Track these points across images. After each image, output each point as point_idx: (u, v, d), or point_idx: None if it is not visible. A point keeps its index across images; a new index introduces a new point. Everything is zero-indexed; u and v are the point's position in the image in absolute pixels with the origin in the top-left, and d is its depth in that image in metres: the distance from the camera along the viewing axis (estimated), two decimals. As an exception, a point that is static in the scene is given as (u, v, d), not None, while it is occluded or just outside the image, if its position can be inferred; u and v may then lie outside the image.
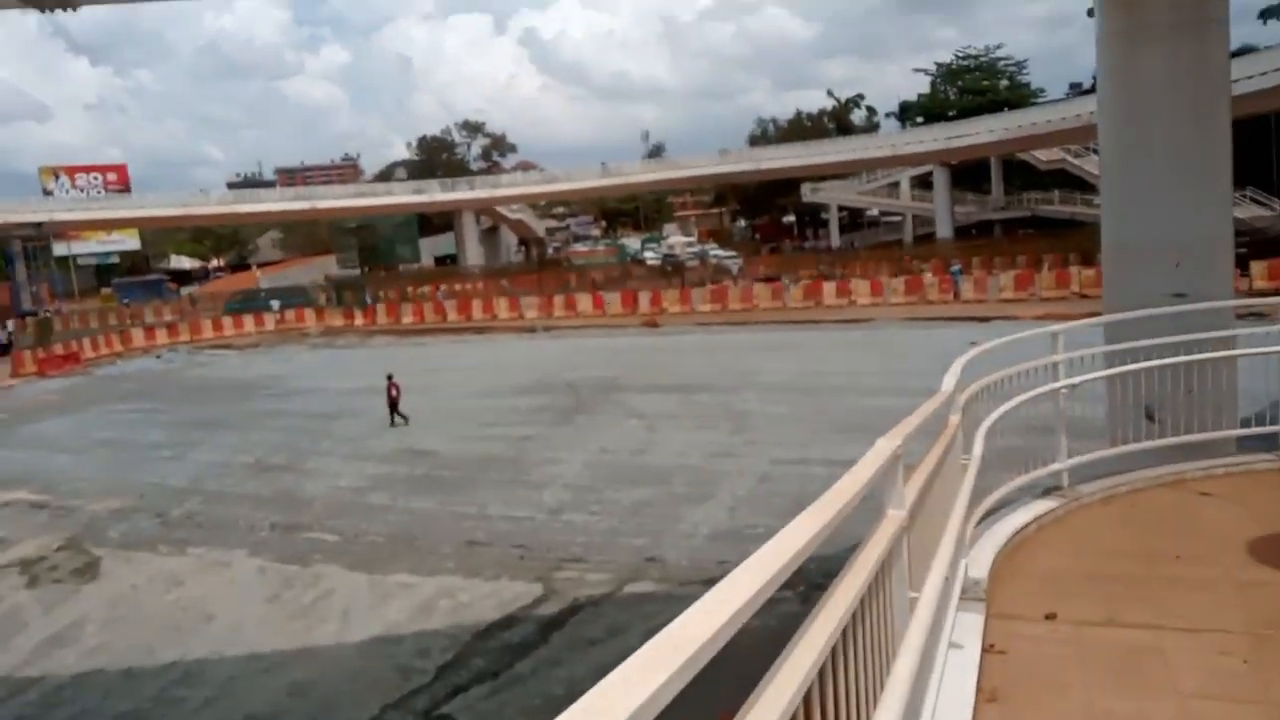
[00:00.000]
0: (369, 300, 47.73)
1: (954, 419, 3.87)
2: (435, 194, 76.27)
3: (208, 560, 14.48)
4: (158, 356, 41.55)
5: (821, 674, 1.58)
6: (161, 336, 45.30)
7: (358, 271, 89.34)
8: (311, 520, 15.81)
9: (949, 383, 3.94)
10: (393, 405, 22.37)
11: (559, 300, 41.29)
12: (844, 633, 1.76)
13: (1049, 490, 5.26)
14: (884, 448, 2.38)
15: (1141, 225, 8.80)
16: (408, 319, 43.99)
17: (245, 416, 25.46)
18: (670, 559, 12.87)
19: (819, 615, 1.72)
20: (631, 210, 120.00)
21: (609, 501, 15.49)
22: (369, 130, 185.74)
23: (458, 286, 54.19)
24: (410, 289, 56.63)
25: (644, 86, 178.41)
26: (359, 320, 45.20)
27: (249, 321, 45.92)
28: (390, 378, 22.68)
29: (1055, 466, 5.23)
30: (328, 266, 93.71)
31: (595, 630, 11.01)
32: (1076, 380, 5.25)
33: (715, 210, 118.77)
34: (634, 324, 37.53)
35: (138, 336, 44.79)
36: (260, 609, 12.49)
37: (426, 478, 17.90)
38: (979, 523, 4.87)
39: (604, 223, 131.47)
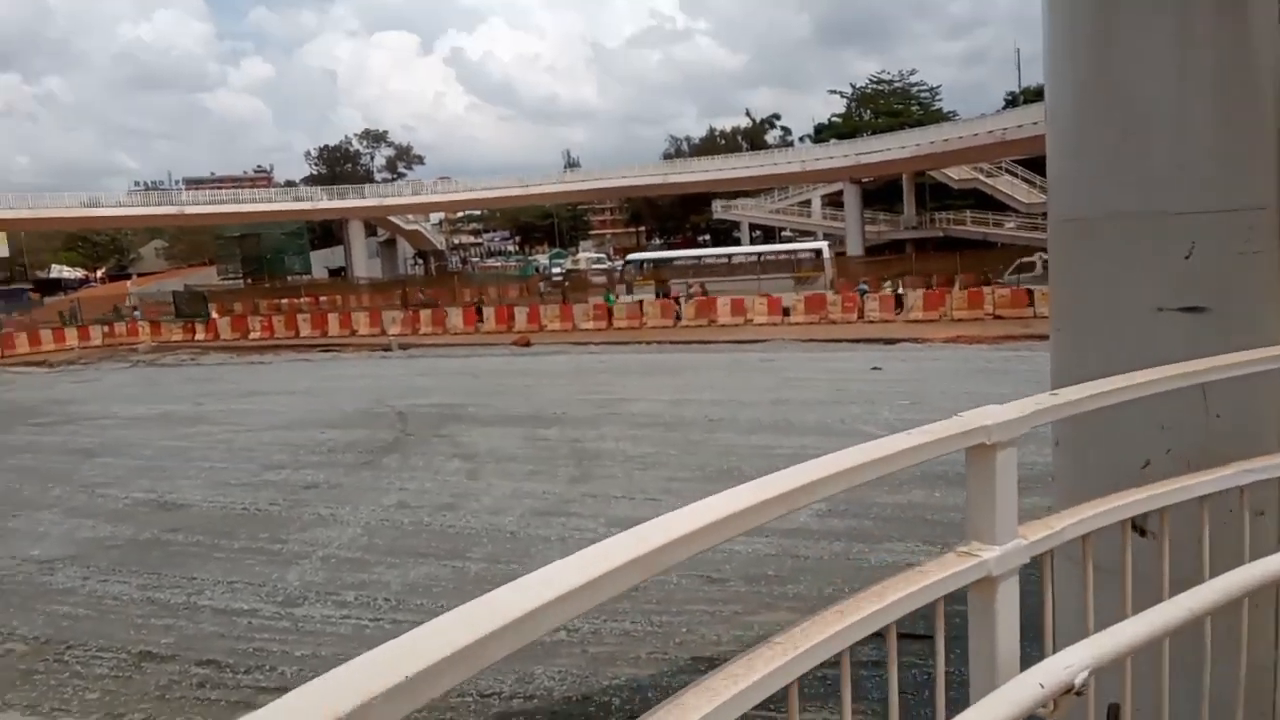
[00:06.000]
0: (210, 314, 41.98)
1: None
2: (319, 201, 71.17)
3: None
4: (-51, 375, 35.38)
5: None
6: (-33, 352, 38.92)
7: (240, 282, 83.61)
8: (-51, 613, 11.12)
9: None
10: None
11: (425, 316, 36.49)
12: None
13: None
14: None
15: (1124, 181, 4.01)
16: (255, 334, 38.64)
17: (-14, 453, 20.36)
18: (420, 686, 8.69)
19: None
20: (547, 227, 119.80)
21: (374, 585, 11.24)
22: (294, 144, 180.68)
23: (324, 299, 48.61)
24: (281, 302, 50.94)
25: (573, 110, 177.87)
26: (199, 335, 39.59)
27: (72, 335, 39.87)
28: None
29: None
30: (210, 277, 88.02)
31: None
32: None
33: (632, 229, 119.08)
34: (506, 343, 33.17)
35: (-64, 352, 38.39)
36: None
37: (152, 543, 13.34)
38: None
39: (518, 239, 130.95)
